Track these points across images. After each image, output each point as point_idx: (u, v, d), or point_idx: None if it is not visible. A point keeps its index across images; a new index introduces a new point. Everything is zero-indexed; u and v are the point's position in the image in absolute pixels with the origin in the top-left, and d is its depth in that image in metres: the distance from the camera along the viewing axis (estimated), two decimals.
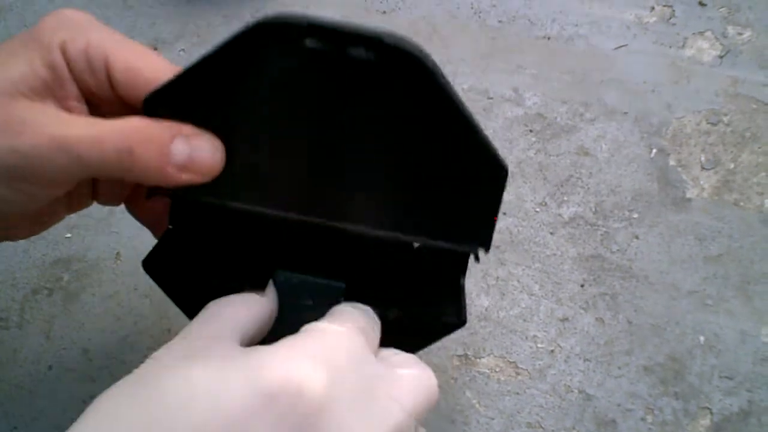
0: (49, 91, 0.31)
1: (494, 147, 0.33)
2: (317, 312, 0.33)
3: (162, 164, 0.31)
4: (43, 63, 0.31)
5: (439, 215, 0.34)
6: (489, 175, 0.33)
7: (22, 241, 0.56)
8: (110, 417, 0.26)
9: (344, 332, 0.30)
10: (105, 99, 0.33)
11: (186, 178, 0.32)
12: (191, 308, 0.36)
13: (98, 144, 0.29)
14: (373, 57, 0.30)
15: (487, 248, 0.35)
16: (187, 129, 0.31)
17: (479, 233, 0.35)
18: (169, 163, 0.31)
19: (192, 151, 0.31)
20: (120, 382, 0.27)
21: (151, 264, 0.37)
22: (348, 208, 0.34)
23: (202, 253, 0.38)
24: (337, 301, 0.35)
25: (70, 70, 0.32)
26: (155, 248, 0.37)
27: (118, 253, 0.55)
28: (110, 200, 0.39)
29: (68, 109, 0.32)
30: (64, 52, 0.31)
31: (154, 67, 0.32)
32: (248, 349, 0.29)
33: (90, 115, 0.33)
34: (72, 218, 0.56)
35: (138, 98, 0.32)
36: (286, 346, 0.28)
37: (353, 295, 0.35)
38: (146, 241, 0.55)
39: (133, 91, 0.32)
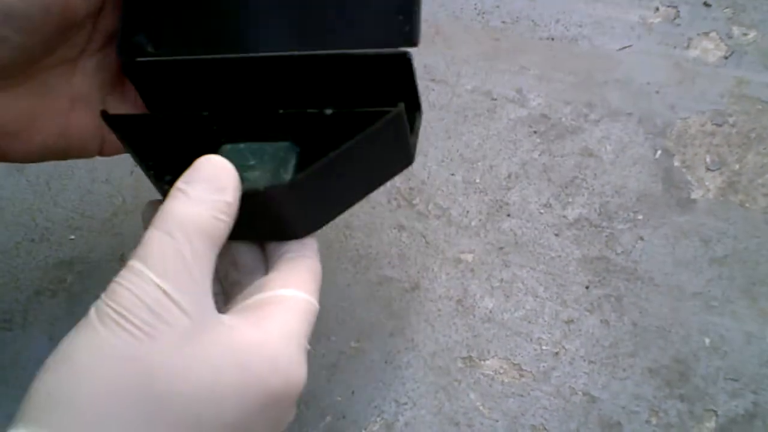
0: None
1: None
2: (262, 170, 0.35)
3: None
4: None
5: (356, 23, 0.36)
6: None
7: (25, 242, 0.56)
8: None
9: (308, 305, 0.35)
10: None
11: None
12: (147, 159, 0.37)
13: None
14: None
15: (413, 42, 0.36)
16: None
17: (403, 31, 0.36)
18: None
19: None
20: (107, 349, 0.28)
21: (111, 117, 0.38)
22: (266, 38, 0.36)
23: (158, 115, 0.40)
24: (289, 162, 0.36)
25: None
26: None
27: (122, 255, 0.55)
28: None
29: None
30: None
31: None
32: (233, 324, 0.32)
33: None
34: (75, 219, 0.56)
35: None
36: (270, 332, 0.32)
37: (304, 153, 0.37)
38: None
39: None
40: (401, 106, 0.34)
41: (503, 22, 0.63)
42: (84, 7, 0.35)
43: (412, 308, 0.52)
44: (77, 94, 0.39)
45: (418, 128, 0.39)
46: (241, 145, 0.36)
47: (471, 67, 0.61)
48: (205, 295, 0.31)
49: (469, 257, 0.53)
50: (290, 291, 0.34)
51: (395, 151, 0.37)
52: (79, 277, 0.54)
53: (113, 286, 0.30)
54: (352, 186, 0.37)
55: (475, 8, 0.64)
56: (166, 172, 0.36)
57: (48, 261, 0.55)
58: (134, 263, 0.30)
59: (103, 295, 0.30)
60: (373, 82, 0.37)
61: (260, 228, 0.36)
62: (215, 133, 0.37)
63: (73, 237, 0.56)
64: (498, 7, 0.64)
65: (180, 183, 0.32)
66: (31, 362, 0.52)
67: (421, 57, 0.61)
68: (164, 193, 0.33)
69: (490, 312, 0.51)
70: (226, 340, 0.31)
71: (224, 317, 0.32)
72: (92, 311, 0.30)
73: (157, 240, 0.30)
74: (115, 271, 0.54)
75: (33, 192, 0.58)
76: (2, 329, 0.53)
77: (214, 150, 0.35)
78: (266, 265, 0.38)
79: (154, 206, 0.40)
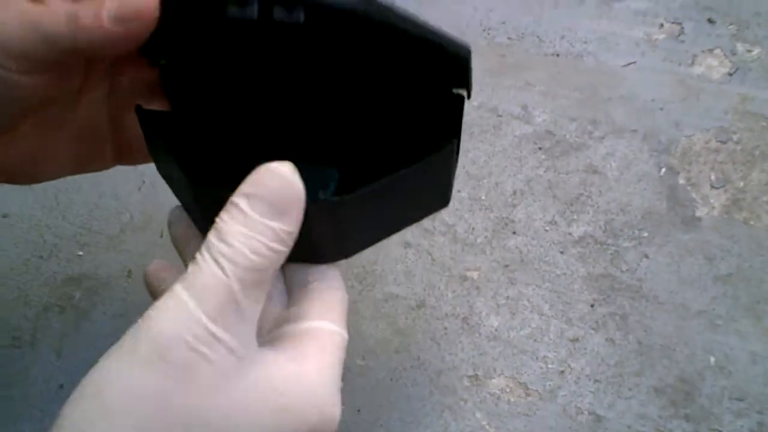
0: None
1: (449, 37, 0.32)
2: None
3: (99, 21, 0.31)
4: None
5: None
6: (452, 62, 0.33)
7: (34, 259, 0.56)
8: None
9: (341, 340, 0.34)
10: None
11: (126, 30, 0.31)
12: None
13: (54, 15, 0.30)
14: (301, 18, 0.30)
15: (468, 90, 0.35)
16: None
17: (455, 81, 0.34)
18: (103, 18, 0.31)
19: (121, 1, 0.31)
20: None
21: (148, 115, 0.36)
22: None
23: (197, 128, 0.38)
24: (328, 186, 0.36)
25: None
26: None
27: (129, 271, 0.55)
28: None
29: None
30: None
31: None
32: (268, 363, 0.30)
33: None
34: (84, 235, 0.56)
35: None
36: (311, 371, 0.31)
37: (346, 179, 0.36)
38: (158, 258, 0.55)
39: None
40: (454, 143, 0.33)
41: (509, 38, 0.63)
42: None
43: (418, 326, 0.52)
44: (84, 125, 0.37)
45: (455, 171, 0.38)
46: None
47: (477, 84, 0.61)
48: (250, 332, 0.29)
49: (475, 274, 0.53)
50: (325, 324, 0.33)
51: (436, 188, 0.36)
52: (87, 294, 0.55)
53: (152, 314, 0.27)
54: (390, 218, 0.36)
55: (481, 24, 0.64)
56: (199, 178, 0.33)
57: (56, 277, 0.56)
58: (179, 291, 0.27)
59: (140, 321, 0.27)
60: (421, 116, 0.36)
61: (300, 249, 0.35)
62: (254, 142, 0.36)
63: (81, 253, 0.56)
64: (503, 23, 0.64)
65: (239, 196, 0.29)
66: (39, 379, 0.52)
67: None
68: (198, 200, 0.32)
69: (496, 330, 0.51)
70: (266, 378, 0.29)
71: (264, 352, 0.30)
72: (127, 340, 0.27)
73: (206, 268, 0.28)
74: (122, 288, 0.54)
75: (41, 208, 0.59)
76: (11, 346, 0.53)
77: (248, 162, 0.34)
78: (286, 290, 0.36)
79: (180, 215, 0.39)
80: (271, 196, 0.29)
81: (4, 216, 0.59)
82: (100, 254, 0.56)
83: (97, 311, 0.54)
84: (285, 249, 0.29)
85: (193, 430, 0.27)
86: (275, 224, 0.29)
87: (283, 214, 0.29)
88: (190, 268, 0.28)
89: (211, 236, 0.28)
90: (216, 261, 0.28)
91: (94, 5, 0.30)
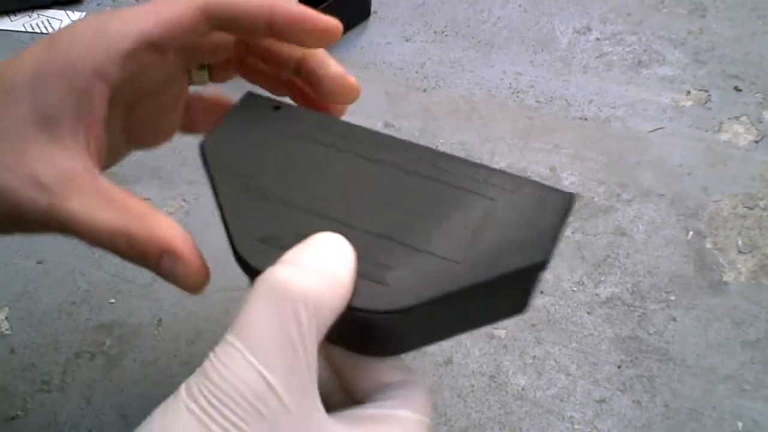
0: (75, 120, 0.31)
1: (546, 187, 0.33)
2: None
3: (148, 268, 0.31)
4: (73, 91, 0.31)
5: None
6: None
7: (66, 305, 0.57)
8: None
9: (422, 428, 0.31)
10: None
11: (169, 281, 0.32)
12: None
13: (96, 239, 0.31)
14: None
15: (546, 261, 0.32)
16: (178, 245, 0.31)
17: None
18: (153, 268, 0.31)
19: (174, 272, 0.31)
20: None
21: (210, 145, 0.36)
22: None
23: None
24: None
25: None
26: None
27: (159, 320, 0.56)
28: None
29: (88, 141, 0.32)
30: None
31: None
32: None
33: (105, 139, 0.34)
34: (116, 283, 0.57)
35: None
36: None
37: None
38: (188, 308, 0.56)
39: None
40: (547, 257, 0.32)
41: (537, 101, 0.65)
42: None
43: (445, 383, 0.52)
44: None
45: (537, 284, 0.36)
46: None
47: (506, 145, 0.62)
48: (311, 387, 0.27)
49: (502, 333, 0.54)
50: (406, 412, 0.31)
51: (516, 297, 0.35)
52: (118, 341, 0.55)
53: (207, 366, 0.26)
54: (464, 318, 0.35)
55: (510, 87, 0.66)
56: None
57: (88, 324, 0.56)
58: (233, 340, 0.26)
59: (197, 372, 0.26)
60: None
61: (349, 337, 0.33)
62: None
63: (113, 301, 0.57)
64: (533, 86, 0.65)
65: (289, 254, 0.28)
66: (68, 425, 0.52)
67: (456, 134, 0.62)
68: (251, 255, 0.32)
69: (523, 389, 0.51)
70: None
71: (332, 421, 0.28)
72: (182, 391, 0.26)
73: (260, 313, 0.27)
74: (152, 336, 0.55)
75: (76, 255, 0.60)
76: (41, 390, 0.54)
77: None
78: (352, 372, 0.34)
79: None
80: (322, 250, 0.29)
81: (39, 262, 0.60)
82: (131, 302, 0.57)
83: (128, 359, 0.55)
84: (339, 299, 0.28)
85: None
86: (329, 270, 0.28)
87: (335, 265, 0.28)
88: (242, 312, 0.27)
89: (262, 280, 0.28)
90: (271, 305, 0.27)
91: (140, 255, 0.31)
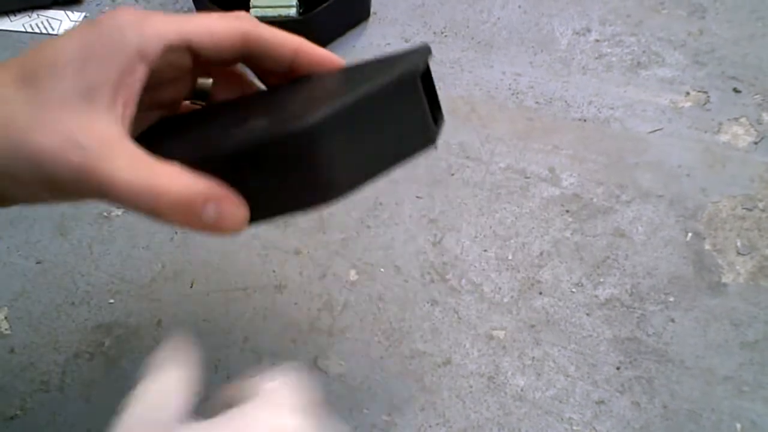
0: (114, 94, 0.33)
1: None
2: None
3: (188, 224, 0.32)
4: (117, 68, 0.33)
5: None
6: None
7: (65, 305, 0.57)
8: None
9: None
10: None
11: (207, 232, 0.33)
12: None
13: (133, 198, 0.31)
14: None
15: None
16: (219, 193, 0.32)
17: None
18: (194, 223, 0.32)
19: (218, 217, 0.32)
20: None
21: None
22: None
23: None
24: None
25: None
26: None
27: (159, 321, 0.56)
28: None
29: (124, 116, 0.34)
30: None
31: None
32: None
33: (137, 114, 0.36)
34: (116, 284, 0.57)
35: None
36: None
37: None
38: (187, 309, 0.56)
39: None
40: (423, 65, 0.35)
41: (537, 102, 0.65)
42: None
43: (444, 383, 0.52)
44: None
45: (441, 125, 0.39)
46: None
47: (505, 146, 0.62)
48: None
49: (501, 334, 0.54)
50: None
51: (416, 121, 0.36)
52: (117, 342, 0.55)
53: None
54: (372, 150, 0.35)
55: (510, 88, 0.66)
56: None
57: (87, 324, 0.56)
58: None
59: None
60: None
61: (280, 195, 0.34)
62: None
63: (112, 301, 0.57)
64: (532, 87, 0.65)
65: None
66: (66, 425, 0.52)
67: (455, 134, 0.62)
68: None
69: (522, 390, 0.51)
70: None
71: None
72: None
73: None
74: (152, 337, 0.55)
75: (75, 255, 0.60)
76: (40, 391, 0.54)
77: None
78: None
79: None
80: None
81: (38, 262, 0.60)
82: (131, 303, 0.57)
83: (126, 359, 0.55)
84: None
85: None
86: None
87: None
88: None
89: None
90: None
91: (183, 208, 0.32)
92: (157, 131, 0.40)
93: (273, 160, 0.32)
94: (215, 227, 0.32)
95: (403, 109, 0.35)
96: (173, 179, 0.32)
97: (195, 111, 0.42)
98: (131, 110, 0.34)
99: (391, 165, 0.37)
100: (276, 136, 0.31)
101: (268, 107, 0.37)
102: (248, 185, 0.33)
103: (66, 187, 0.32)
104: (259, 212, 0.34)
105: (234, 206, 0.33)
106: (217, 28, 0.36)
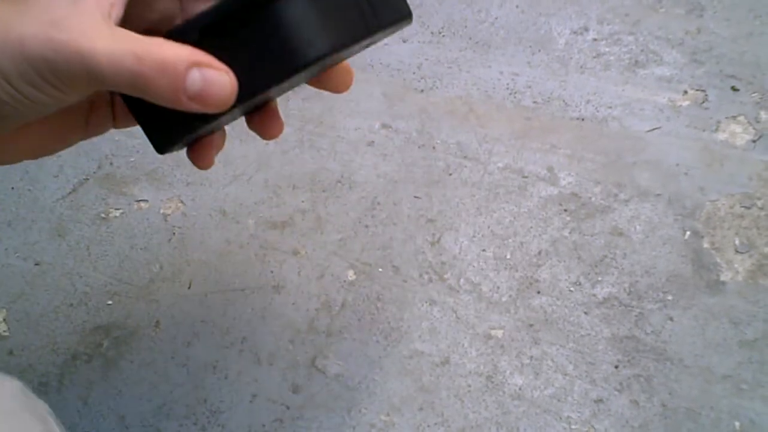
0: None
1: None
2: None
3: (175, 92, 0.31)
4: None
5: None
6: None
7: (64, 307, 0.57)
8: None
9: None
10: None
11: (196, 107, 0.32)
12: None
13: (116, 64, 0.30)
14: None
15: None
16: (203, 58, 0.32)
17: None
18: (180, 92, 0.31)
19: (205, 83, 0.32)
20: None
21: None
22: None
23: None
24: None
25: None
26: None
27: (157, 322, 0.56)
28: (129, 123, 0.41)
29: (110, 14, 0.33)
30: None
31: None
32: None
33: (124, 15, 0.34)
34: (114, 285, 0.57)
35: None
36: None
37: None
38: (185, 310, 0.56)
39: None
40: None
41: (535, 102, 0.65)
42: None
43: (442, 383, 0.52)
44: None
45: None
46: None
47: (503, 145, 0.62)
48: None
49: (499, 333, 0.54)
50: None
51: None
52: (115, 343, 0.55)
53: None
54: (348, 16, 0.35)
55: (508, 88, 0.66)
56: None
57: (85, 326, 0.56)
58: None
59: None
60: None
61: (263, 62, 0.34)
62: None
63: (110, 302, 0.57)
64: (530, 87, 0.65)
65: None
66: (65, 427, 0.52)
67: (453, 134, 0.62)
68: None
69: (520, 389, 0.51)
70: None
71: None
72: None
73: None
74: (150, 338, 0.55)
75: (73, 257, 0.60)
76: (38, 392, 0.54)
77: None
78: None
79: None
80: None
81: (37, 264, 0.60)
82: (129, 304, 0.57)
83: (125, 360, 0.55)
84: None
85: None
86: None
87: None
88: None
89: None
90: None
91: (168, 72, 0.31)
92: None
93: (246, 26, 0.32)
94: (202, 97, 0.32)
95: None
96: (156, 45, 0.31)
97: None
98: (118, 11, 0.33)
99: (365, 35, 0.36)
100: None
101: None
102: (228, 57, 0.32)
103: (50, 70, 0.31)
104: (242, 87, 0.33)
105: (219, 72, 0.32)
106: None
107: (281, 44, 0.33)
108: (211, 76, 0.32)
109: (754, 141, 0.60)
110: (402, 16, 0.37)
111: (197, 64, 0.31)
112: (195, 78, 0.31)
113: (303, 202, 0.61)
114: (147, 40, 0.31)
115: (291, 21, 0.32)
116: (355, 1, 0.35)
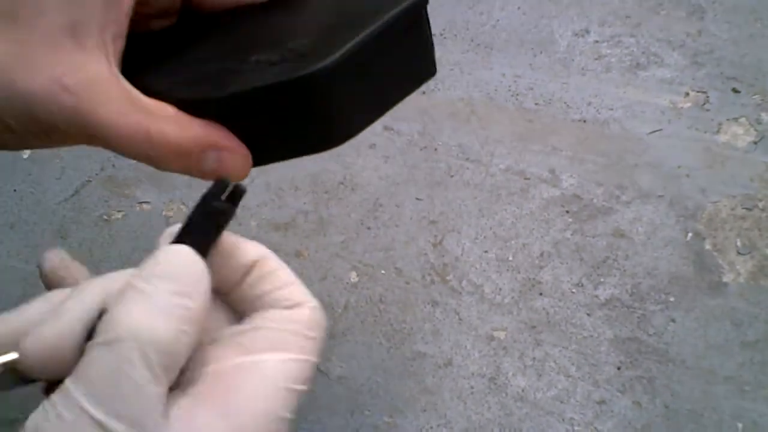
0: (102, 29, 0.30)
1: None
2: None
3: (187, 171, 0.30)
4: (103, 2, 0.30)
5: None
6: None
7: None
8: None
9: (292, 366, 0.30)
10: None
11: (209, 179, 0.30)
12: None
13: (126, 141, 0.29)
14: None
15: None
16: (219, 140, 0.30)
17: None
18: (194, 170, 0.30)
19: (220, 165, 0.30)
20: None
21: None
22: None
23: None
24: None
25: None
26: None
27: None
28: None
29: (113, 51, 0.31)
30: None
31: None
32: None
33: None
34: None
35: None
36: None
37: None
38: None
39: None
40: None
41: (536, 103, 0.65)
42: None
43: (445, 384, 0.52)
44: None
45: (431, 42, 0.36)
46: None
47: (505, 147, 0.62)
48: (158, 420, 0.25)
49: (502, 335, 0.54)
50: (266, 355, 0.28)
51: (417, 54, 0.35)
52: None
53: (38, 416, 0.25)
54: (379, 89, 0.34)
55: (509, 90, 0.66)
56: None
57: None
58: (68, 384, 0.24)
59: (28, 422, 0.25)
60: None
61: (290, 138, 0.32)
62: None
63: None
64: (531, 89, 0.66)
65: (135, 278, 0.25)
66: None
67: (455, 136, 0.62)
68: None
69: (523, 391, 0.51)
70: None
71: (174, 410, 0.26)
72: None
73: (97, 357, 0.24)
74: None
75: (75, 259, 0.60)
76: (41, 395, 0.54)
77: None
78: None
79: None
80: (170, 273, 0.26)
81: (38, 266, 0.60)
82: None
83: None
84: (190, 331, 0.26)
85: None
86: (178, 301, 0.25)
87: (185, 294, 0.26)
88: (83, 358, 0.25)
89: (105, 322, 0.25)
90: (109, 347, 0.24)
91: (182, 156, 0.30)
92: (143, 53, 0.36)
93: (281, 104, 0.30)
94: (216, 174, 0.30)
95: (409, 42, 0.34)
96: (169, 124, 0.29)
97: (179, 25, 0.38)
98: (121, 43, 0.31)
99: (396, 100, 0.35)
100: (286, 80, 0.29)
101: (264, 36, 0.34)
102: (252, 128, 0.31)
103: (56, 131, 0.30)
104: (264, 156, 0.32)
105: (235, 153, 0.30)
106: None
107: (314, 123, 0.31)
108: (225, 159, 0.30)
109: (755, 142, 0.60)
110: (431, 73, 0.36)
111: (213, 147, 0.30)
112: (210, 159, 0.30)
113: (305, 203, 0.61)
114: (159, 112, 0.30)
115: (331, 102, 0.31)
116: (393, 68, 0.33)
